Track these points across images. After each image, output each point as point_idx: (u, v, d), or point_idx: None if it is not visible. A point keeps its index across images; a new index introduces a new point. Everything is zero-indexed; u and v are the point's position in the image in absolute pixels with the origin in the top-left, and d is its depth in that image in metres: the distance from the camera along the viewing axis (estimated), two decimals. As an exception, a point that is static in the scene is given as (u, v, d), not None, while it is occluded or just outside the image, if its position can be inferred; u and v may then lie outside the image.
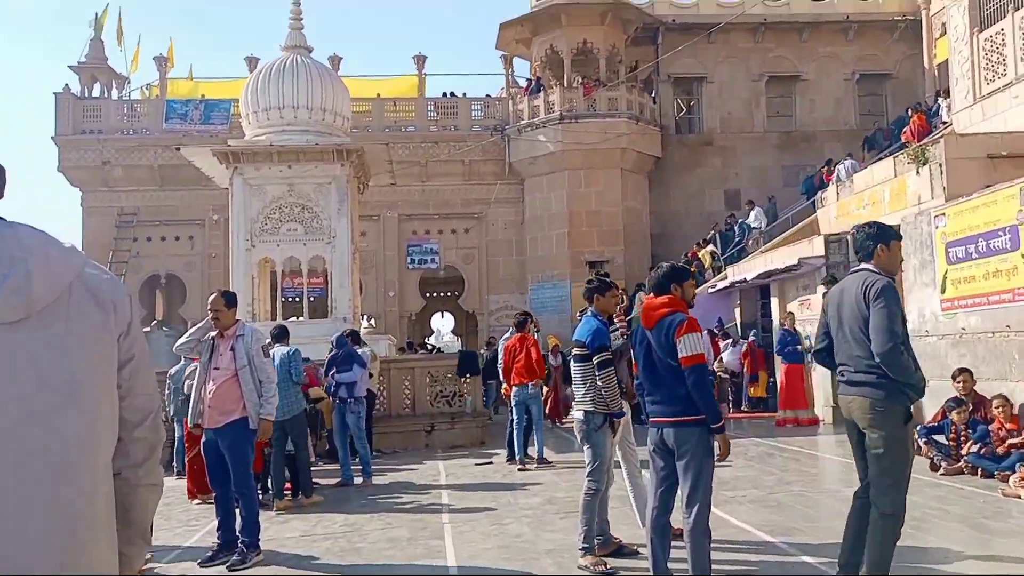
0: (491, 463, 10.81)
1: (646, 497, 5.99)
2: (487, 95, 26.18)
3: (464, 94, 25.78)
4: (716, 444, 4.28)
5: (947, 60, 18.06)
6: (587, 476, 5.45)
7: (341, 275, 14.95)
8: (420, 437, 13.14)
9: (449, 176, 24.44)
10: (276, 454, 8.18)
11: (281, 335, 8.72)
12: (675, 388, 4.31)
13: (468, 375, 13.84)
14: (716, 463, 4.31)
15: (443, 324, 23.12)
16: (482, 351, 18.75)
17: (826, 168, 20.21)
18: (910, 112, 20.43)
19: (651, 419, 4.49)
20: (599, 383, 5.41)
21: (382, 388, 13.23)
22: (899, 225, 12.11)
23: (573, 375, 5.72)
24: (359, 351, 10.93)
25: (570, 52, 23.62)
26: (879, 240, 4.11)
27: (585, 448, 5.59)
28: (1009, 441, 7.31)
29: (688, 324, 4.30)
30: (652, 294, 4.63)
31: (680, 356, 4.24)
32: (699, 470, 4.25)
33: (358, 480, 9.51)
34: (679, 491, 4.36)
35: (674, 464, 4.36)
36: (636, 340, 4.62)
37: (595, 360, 5.41)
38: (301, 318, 15.52)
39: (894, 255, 4.18)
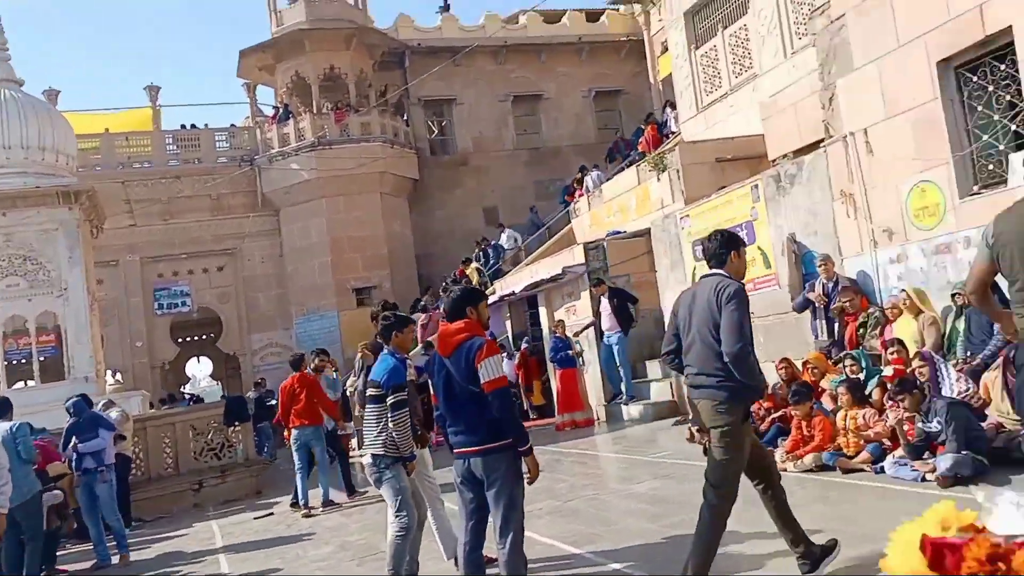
0: (272, 514, 10.07)
1: (450, 528, 5.76)
2: (232, 125, 24.98)
3: (206, 125, 24.42)
4: (525, 467, 4.13)
5: (671, 75, 19.55)
6: (395, 515, 5.11)
7: (78, 330, 13.43)
8: (188, 496, 12.03)
9: (196, 212, 22.93)
10: (8, 547, 7.00)
11: (1, 410, 7.48)
12: (478, 415, 4.11)
13: (237, 422, 12.90)
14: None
15: (200, 370, 21.60)
16: (250, 394, 17.65)
17: (580, 176, 21.13)
18: (643, 125, 21.97)
19: (456, 450, 4.25)
20: (391, 425, 5.09)
21: (137, 450, 11.97)
22: (649, 228, 12.92)
23: (365, 416, 5.35)
24: (107, 413, 9.79)
25: (317, 78, 23.11)
26: (731, 247, 4.23)
27: (382, 490, 5.25)
28: (770, 417, 7.85)
29: (488, 347, 4.12)
30: (446, 319, 4.42)
31: (482, 381, 4.05)
32: (510, 497, 4.07)
33: (116, 559, 8.43)
34: (491, 520, 4.16)
35: (484, 494, 4.15)
36: (434, 369, 4.37)
37: (389, 400, 5.08)
38: (32, 382, 13.75)
39: (743, 261, 4.32)
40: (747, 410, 4.18)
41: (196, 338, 26.96)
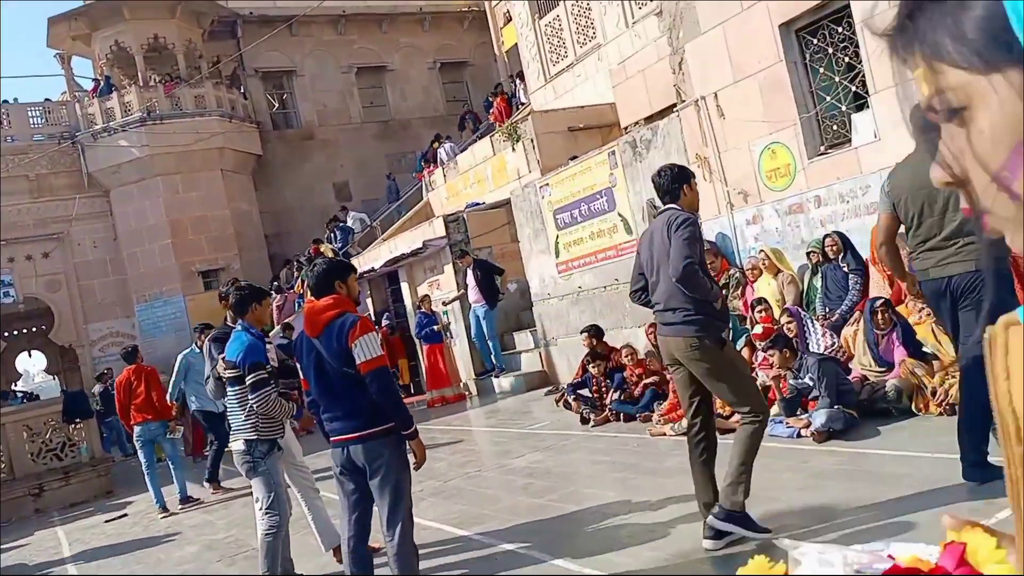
0: (126, 515, 9.40)
1: (327, 519, 5.48)
2: (46, 99, 22.91)
3: (15, 99, 22.26)
4: (410, 451, 3.92)
5: (516, 46, 19.53)
6: (264, 512, 4.76)
7: None
8: (26, 503, 11.07)
9: (13, 195, 20.87)
10: None
11: None
12: (356, 399, 3.82)
13: (78, 419, 11.94)
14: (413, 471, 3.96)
15: (32, 364, 19.91)
16: (96, 388, 16.42)
17: (437, 144, 20.73)
18: (490, 97, 21.87)
19: (332, 438, 3.97)
20: (255, 407, 4.71)
21: (-38, 458, 10.91)
22: (508, 199, 12.85)
23: (228, 401, 4.95)
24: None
25: (141, 48, 21.51)
26: (682, 181, 4.21)
27: (254, 481, 4.88)
28: (643, 383, 7.95)
29: (362, 325, 3.83)
30: (312, 296, 4.10)
31: (358, 362, 3.75)
32: (396, 485, 3.84)
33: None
34: (377, 511, 3.93)
35: (366, 483, 3.90)
36: (302, 351, 4.04)
37: (249, 380, 4.68)
38: None
39: (696, 193, 4.29)
40: (720, 336, 4.16)
41: (24, 331, 24.85)
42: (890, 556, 0.79)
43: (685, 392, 4.22)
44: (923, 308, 6.13)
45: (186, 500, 9.09)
